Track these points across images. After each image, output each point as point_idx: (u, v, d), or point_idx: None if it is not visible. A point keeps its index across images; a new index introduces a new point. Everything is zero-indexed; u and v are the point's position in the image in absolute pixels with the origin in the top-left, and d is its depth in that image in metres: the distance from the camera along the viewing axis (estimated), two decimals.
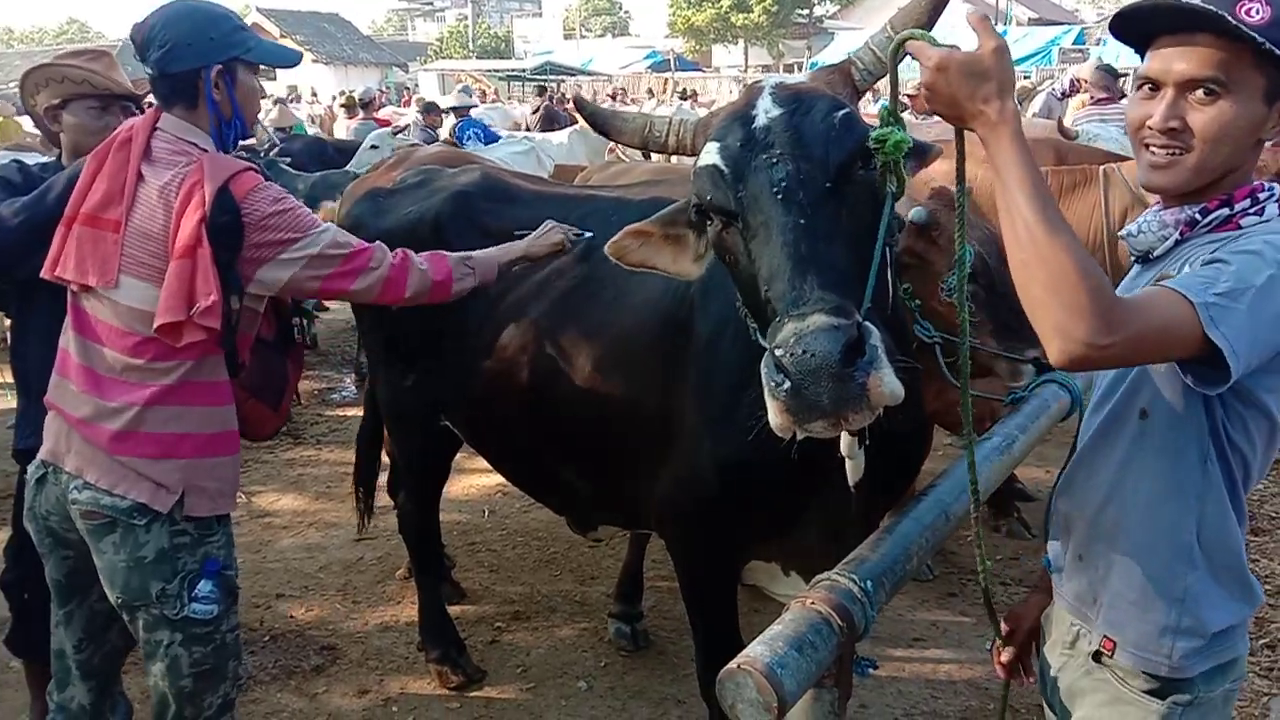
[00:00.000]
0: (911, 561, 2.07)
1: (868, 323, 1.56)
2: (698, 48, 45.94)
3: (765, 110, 1.77)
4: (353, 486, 4.62)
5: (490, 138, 10.13)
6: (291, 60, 2.56)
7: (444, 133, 10.69)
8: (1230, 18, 1.48)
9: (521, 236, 2.77)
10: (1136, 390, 1.69)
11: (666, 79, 26.02)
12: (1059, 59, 23.36)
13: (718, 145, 1.78)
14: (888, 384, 1.51)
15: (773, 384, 1.54)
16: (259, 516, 5.34)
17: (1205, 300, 1.40)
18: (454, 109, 11.74)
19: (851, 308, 1.56)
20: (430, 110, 11.98)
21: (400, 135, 9.91)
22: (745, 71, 38.71)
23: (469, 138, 9.98)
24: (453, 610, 4.14)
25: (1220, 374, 1.43)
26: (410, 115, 12.76)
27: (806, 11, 46.74)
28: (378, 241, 2.47)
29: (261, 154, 8.68)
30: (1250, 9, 1.50)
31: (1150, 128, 1.61)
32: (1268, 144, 1.71)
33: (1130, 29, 1.66)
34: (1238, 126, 1.55)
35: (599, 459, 2.85)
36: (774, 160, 1.70)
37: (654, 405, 2.62)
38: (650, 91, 24.13)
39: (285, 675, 3.84)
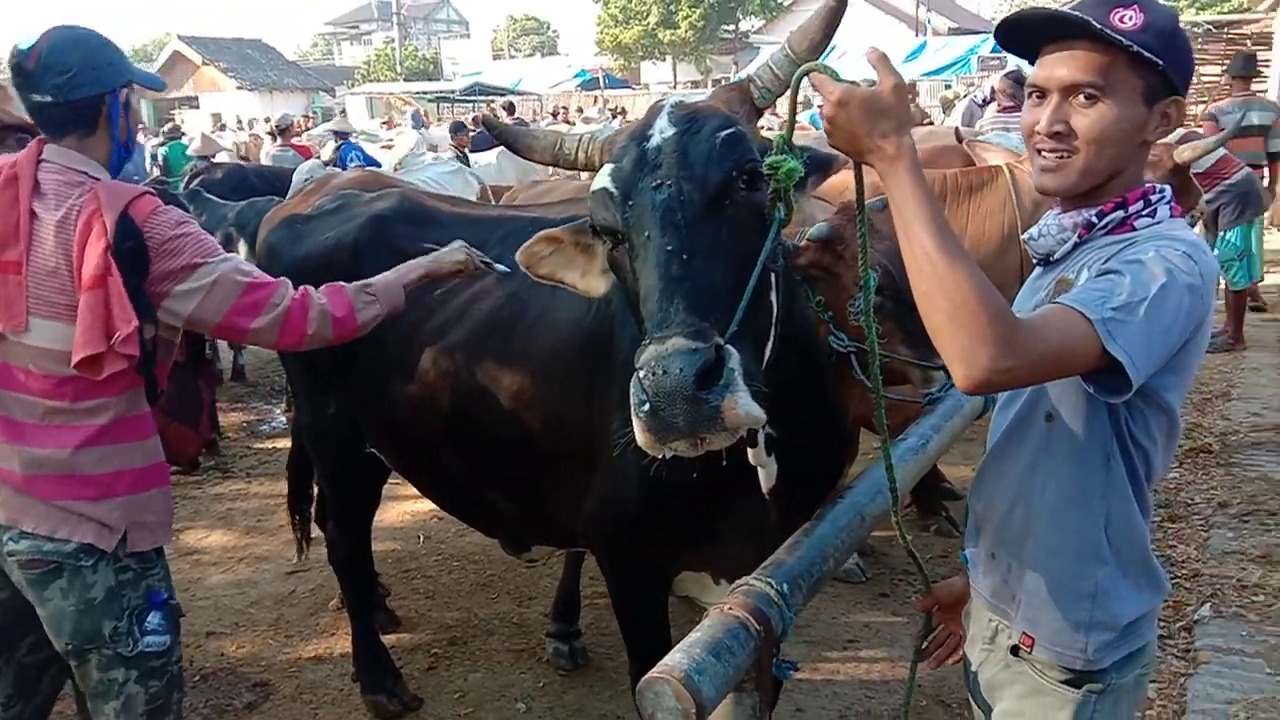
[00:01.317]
0: (828, 563, 2.11)
1: (729, 346, 1.58)
2: (627, 65, 46.20)
3: (660, 130, 1.81)
4: (288, 515, 4.55)
5: (370, 162, 10.14)
6: (159, 86, 2.58)
7: (326, 155, 10.82)
8: (1099, 25, 1.56)
9: (429, 252, 2.75)
10: (1041, 395, 1.74)
11: (596, 96, 26.14)
12: (978, 67, 23.92)
13: (612, 167, 1.82)
14: (743, 407, 1.55)
15: (635, 403, 1.57)
16: (187, 554, 5.22)
17: (1102, 316, 1.45)
18: (335, 133, 11.82)
19: (711, 331, 1.58)
20: (458, 130, 12.07)
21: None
22: (674, 88, 39.05)
23: (351, 160, 10.10)
24: (388, 639, 4.10)
25: (1121, 383, 1.48)
26: (329, 146, 12.66)
27: (732, 27, 47.30)
28: (283, 277, 2.41)
29: (182, 185, 8.52)
30: (1124, 16, 1.58)
31: (1038, 132, 1.67)
32: (1160, 142, 1.79)
33: (1017, 40, 1.73)
34: (1119, 128, 1.61)
35: (527, 481, 2.84)
36: (657, 182, 1.74)
37: (579, 424, 2.63)
38: (580, 109, 24.20)
39: (217, 715, 3.76)
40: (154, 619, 2.35)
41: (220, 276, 2.27)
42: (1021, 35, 1.71)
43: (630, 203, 1.76)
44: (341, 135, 11.62)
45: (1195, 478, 5.27)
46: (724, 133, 1.78)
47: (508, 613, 4.41)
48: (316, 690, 3.89)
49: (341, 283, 2.53)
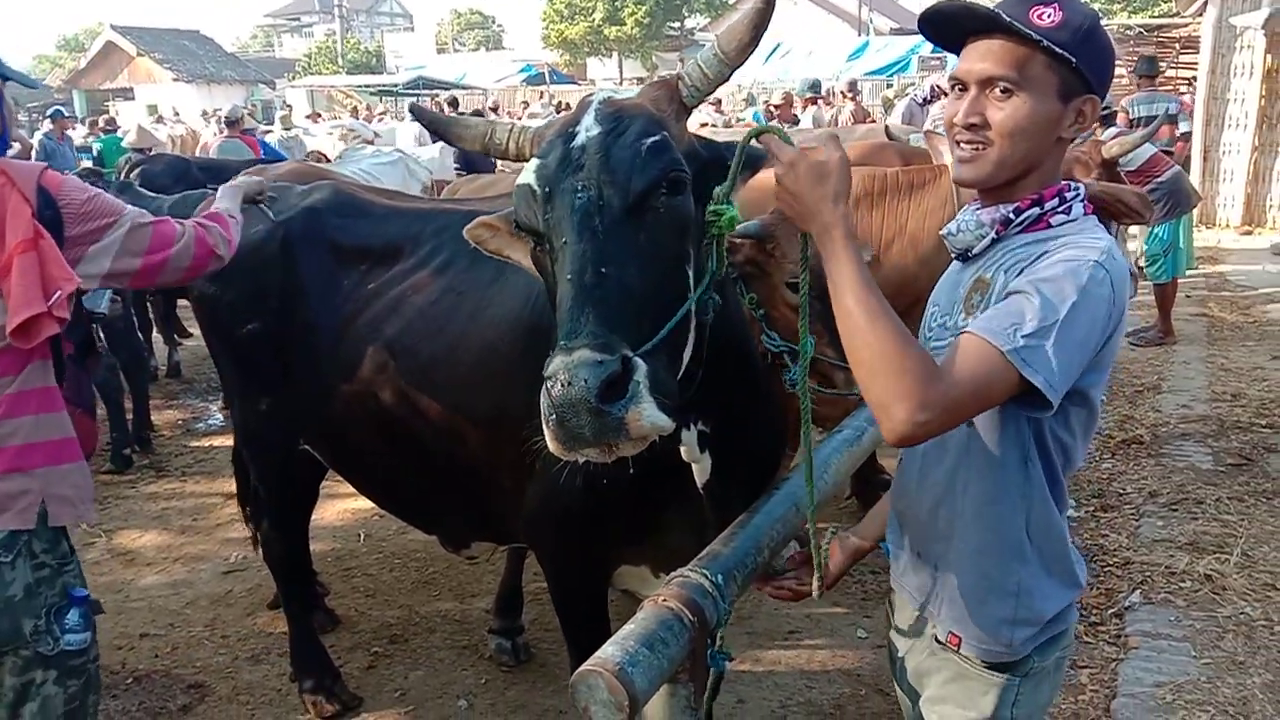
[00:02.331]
0: (763, 553, 2.13)
1: (637, 358, 1.58)
2: (572, 61, 46.07)
3: (586, 129, 1.79)
4: (239, 508, 4.48)
5: (277, 156, 10.12)
6: (32, 85, 2.65)
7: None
8: (1012, 19, 1.59)
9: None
10: None
11: (542, 92, 26.01)
12: (918, 67, 24.29)
13: (537, 164, 1.80)
14: (648, 418, 1.55)
15: (544, 411, 1.57)
16: (120, 554, 5.10)
17: (1014, 346, 1.49)
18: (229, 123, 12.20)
19: (619, 343, 1.57)
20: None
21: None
22: (620, 84, 39.02)
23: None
24: (328, 638, 4.05)
25: (1042, 402, 1.53)
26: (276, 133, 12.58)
27: (678, 24, 47.38)
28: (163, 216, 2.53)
29: (116, 177, 8.30)
30: (1042, 13, 1.61)
31: (956, 124, 1.70)
32: (1082, 140, 1.83)
33: (943, 34, 1.75)
34: (1033, 122, 1.63)
35: (466, 477, 2.81)
36: (578, 185, 1.72)
37: (518, 420, 2.60)
38: (525, 103, 24.05)
39: (150, 717, 3.68)
40: (73, 616, 2.30)
41: (130, 225, 2.36)
42: (944, 29, 1.74)
43: (551, 204, 1.74)
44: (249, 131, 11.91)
45: (1127, 468, 5.39)
46: (649, 139, 1.76)
47: (449, 610, 4.37)
48: (254, 691, 3.81)
49: (218, 207, 2.73)
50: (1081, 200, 1.72)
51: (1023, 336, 1.49)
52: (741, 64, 1.89)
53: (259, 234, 3.12)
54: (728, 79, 1.94)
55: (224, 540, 5.18)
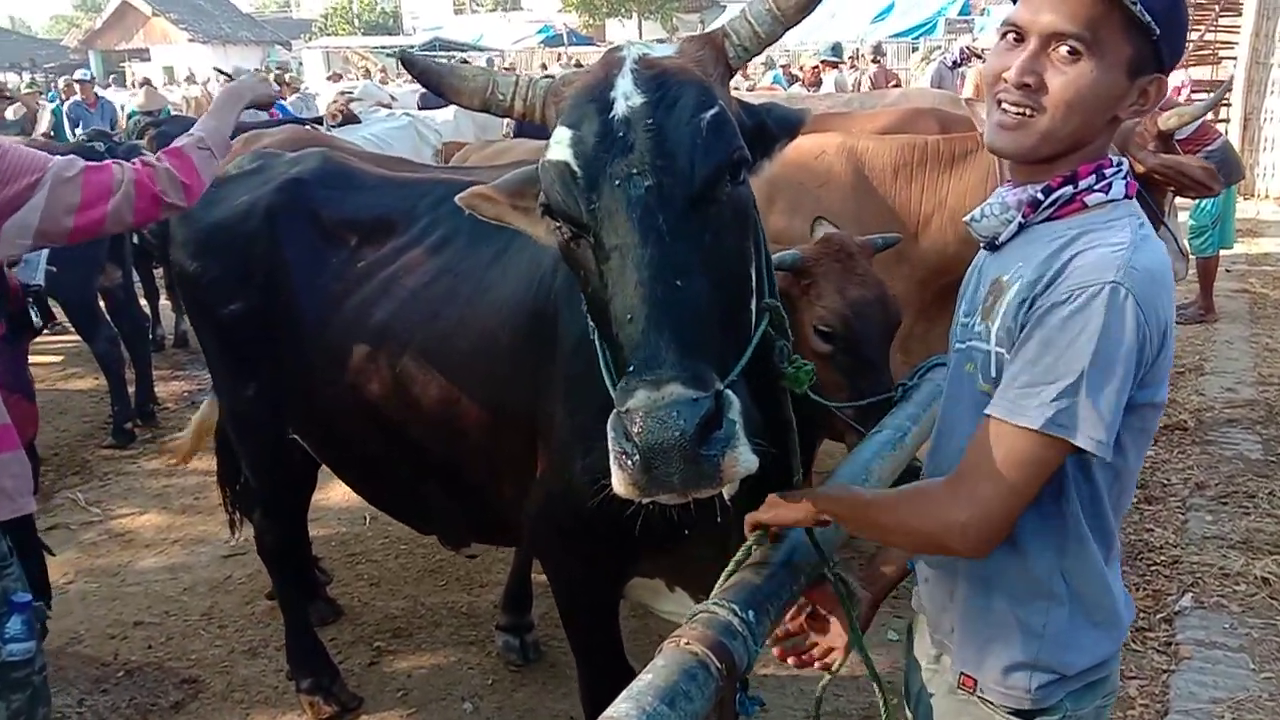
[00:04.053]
0: (800, 581, 1.88)
1: (729, 391, 1.38)
2: (591, 22, 45.34)
3: (625, 95, 1.49)
4: (219, 489, 4.24)
5: (293, 118, 9.87)
6: None
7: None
8: None
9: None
10: (981, 418, 1.53)
11: (560, 54, 25.59)
12: (945, 29, 23.71)
13: (570, 135, 1.49)
14: (744, 462, 1.36)
15: (619, 450, 1.35)
16: (118, 535, 4.94)
17: (1045, 419, 1.37)
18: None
19: (712, 377, 1.36)
20: None
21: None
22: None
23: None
24: (329, 630, 3.88)
25: (1098, 450, 1.40)
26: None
27: None
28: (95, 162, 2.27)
29: (121, 138, 8.09)
30: None
31: (1005, 79, 1.46)
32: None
33: None
34: (1095, 94, 1.42)
35: (464, 474, 2.59)
36: (632, 171, 1.43)
37: (522, 413, 2.37)
38: (544, 65, 23.65)
39: (140, 715, 3.52)
40: (15, 624, 2.13)
41: (53, 181, 2.12)
42: None
43: (597, 192, 1.45)
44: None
45: (1171, 456, 5.11)
46: (708, 113, 1.48)
47: (456, 602, 4.16)
48: (249, 688, 3.64)
49: (179, 142, 2.42)
50: (1125, 177, 1.49)
51: (1050, 403, 1.37)
52: (798, 24, 1.62)
53: (241, 205, 2.88)
54: (779, 39, 1.67)
55: (225, 521, 4.92)
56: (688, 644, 1.58)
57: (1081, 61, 1.40)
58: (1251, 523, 4.29)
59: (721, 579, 1.78)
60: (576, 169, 1.47)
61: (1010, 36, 1.46)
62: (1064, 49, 1.40)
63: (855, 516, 1.65)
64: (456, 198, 1.80)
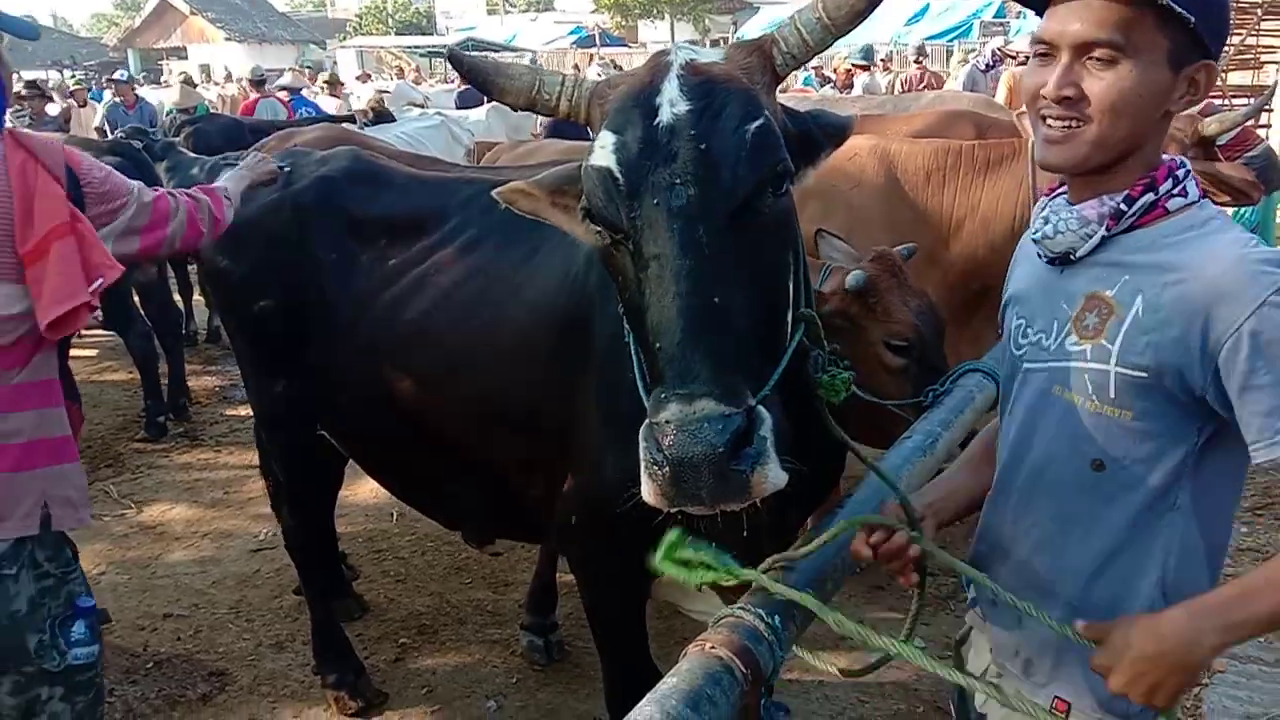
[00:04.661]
0: (826, 586, 1.87)
1: (760, 407, 1.38)
2: (623, 23, 45.39)
3: (670, 102, 1.48)
4: (262, 477, 4.29)
5: (323, 117, 10.06)
6: (30, 34, 2.36)
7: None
8: None
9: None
10: (1085, 440, 1.49)
11: (592, 55, 25.63)
12: (980, 32, 23.47)
13: (614, 140, 1.49)
14: (773, 478, 1.37)
15: (649, 460, 1.36)
16: (149, 528, 4.99)
17: None
18: (285, 88, 12.46)
19: (745, 392, 1.37)
20: None
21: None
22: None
23: (301, 115, 10.47)
24: (355, 626, 3.90)
25: None
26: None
27: None
28: (156, 189, 2.43)
29: (160, 136, 8.18)
30: None
31: (1044, 97, 1.43)
32: (1184, 114, 1.54)
33: None
34: (1139, 95, 1.38)
35: (492, 473, 2.60)
36: (674, 181, 1.43)
37: (553, 411, 2.38)
38: (576, 67, 23.67)
39: (169, 706, 3.55)
40: (79, 628, 2.16)
41: (137, 204, 2.29)
42: None
43: (638, 200, 1.45)
44: (294, 90, 12.08)
45: None
46: (753, 124, 1.47)
47: (482, 600, 4.17)
48: (276, 681, 3.66)
49: (213, 185, 2.64)
50: (1191, 176, 1.46)
51: None
52: (848, 33, 1.60)
53: (270, 203, 2.91)
54: (828, 48, 1.66)
55: (254, 516, 5.04)
56: (713, 648, 1.57)
57: (1120, 64, 1.37)
58: None
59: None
60: (619, 175, 1.47)
61: (1041, 53, 1.44)
62: (1098, 55, 1.37)
63: (1243, 621, 1.36)
64: (494, 191, 1.80)
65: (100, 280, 2.04)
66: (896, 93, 11.52)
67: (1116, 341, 1.43)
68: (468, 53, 1.95)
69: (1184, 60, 1.39)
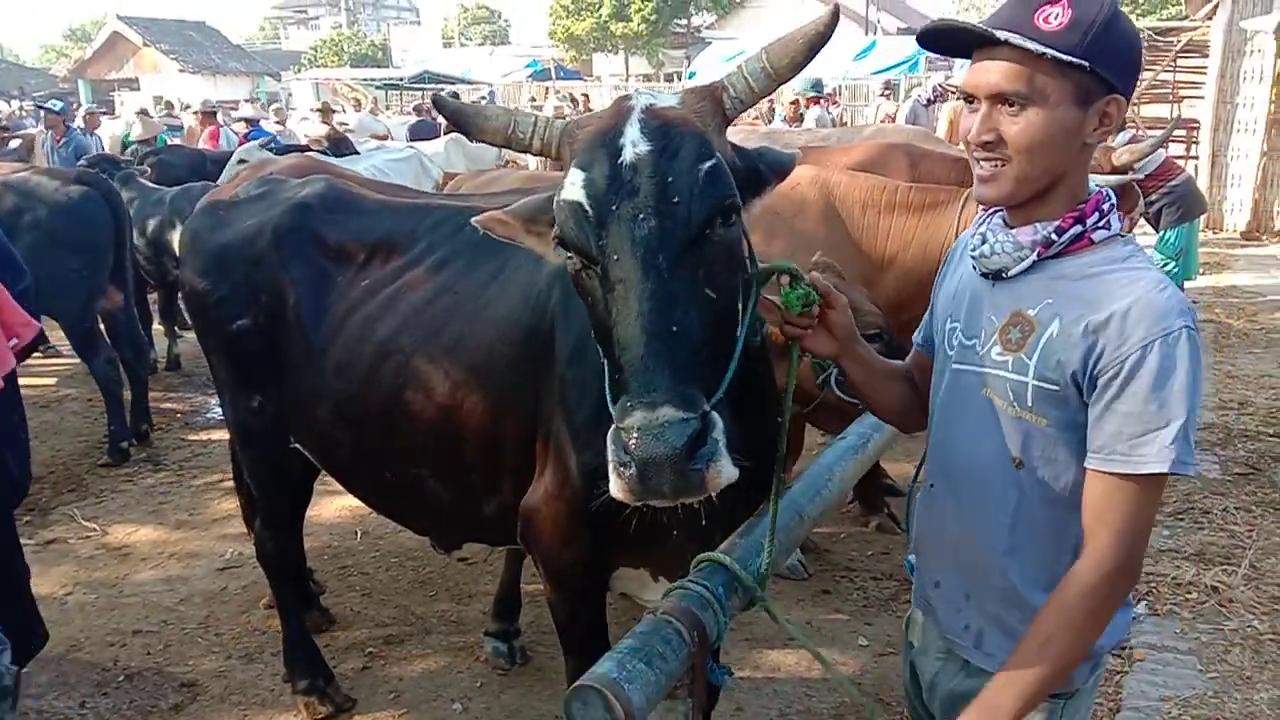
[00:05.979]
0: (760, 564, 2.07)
1: (714, 412, 1.59)
2: (578, 57, 45.93)
3: (633, 142, 1.69)
4: (239, 497, 4.42)
5: (281, 148, 9.86)
6: None
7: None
8: (1019, 31, 1.51)
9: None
10: (1002, 441, 1.67)
11: (548, 88, 25.95)
12: (926, 67, 24.15)
13: (582, 177, 1.70)
14: (725, 473, 1.59)
15: (617, 461, 1.57)
16: (115, 549, 5.05)
17: (1173, 459, 1.50)
18: (244, 119, 12.68)
19: (700, 399, 1.58)
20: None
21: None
22: (626, 80, 38.93)
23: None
24: (323, 638, 4.00)
25: None
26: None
27: (685, 22, 47.22)
28: None
29: (122, 165, 8.22)
30: (1048, 15, 1.51)
31: (970, 142, 1.63)
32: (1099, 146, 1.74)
33: (946, 46, 1.67)
34: (1050, 134, 1.54)
35: (461, 480, 2.76)
36: (636, 212, 1.64)
37: (520, 420, 2.55)
38: (533, 99, 23.98)
39: (141, 717, 3.64)
40: None
41: None
42: (945, 42, 1.65)
43: (605, 229, 1.66)
44: (252, 121, 12.18)
45: None
46: (706, 164, 1.68)
47: (446, 611, 4.32)
48: (246, 691, 3.77)
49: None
50: (1115, 209, 1.65)
51: (1170, 445, 1.49)
52: (789, 80, 1.85)
53: (250, 228, 3.07)
54: (771, 94, 1.90)
55: (220, 536, 5.13)
56: (664, 613, 1.78)
57: (1029, 109, 1.52)
58: (1205, 536, 4.50)
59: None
60: (588, 208, 1.68)
61: (968, 99, 1.62)
62: (1010, 103, 1.54)
63: (1043, 678, 1.57)
64: (473, 220, 2.00)
65: (16, 340, 2.09)
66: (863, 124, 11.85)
67: (1034, 356, 1.60)
68: (427, 94, 2.17)
69: (1091, 97, 1.54)
